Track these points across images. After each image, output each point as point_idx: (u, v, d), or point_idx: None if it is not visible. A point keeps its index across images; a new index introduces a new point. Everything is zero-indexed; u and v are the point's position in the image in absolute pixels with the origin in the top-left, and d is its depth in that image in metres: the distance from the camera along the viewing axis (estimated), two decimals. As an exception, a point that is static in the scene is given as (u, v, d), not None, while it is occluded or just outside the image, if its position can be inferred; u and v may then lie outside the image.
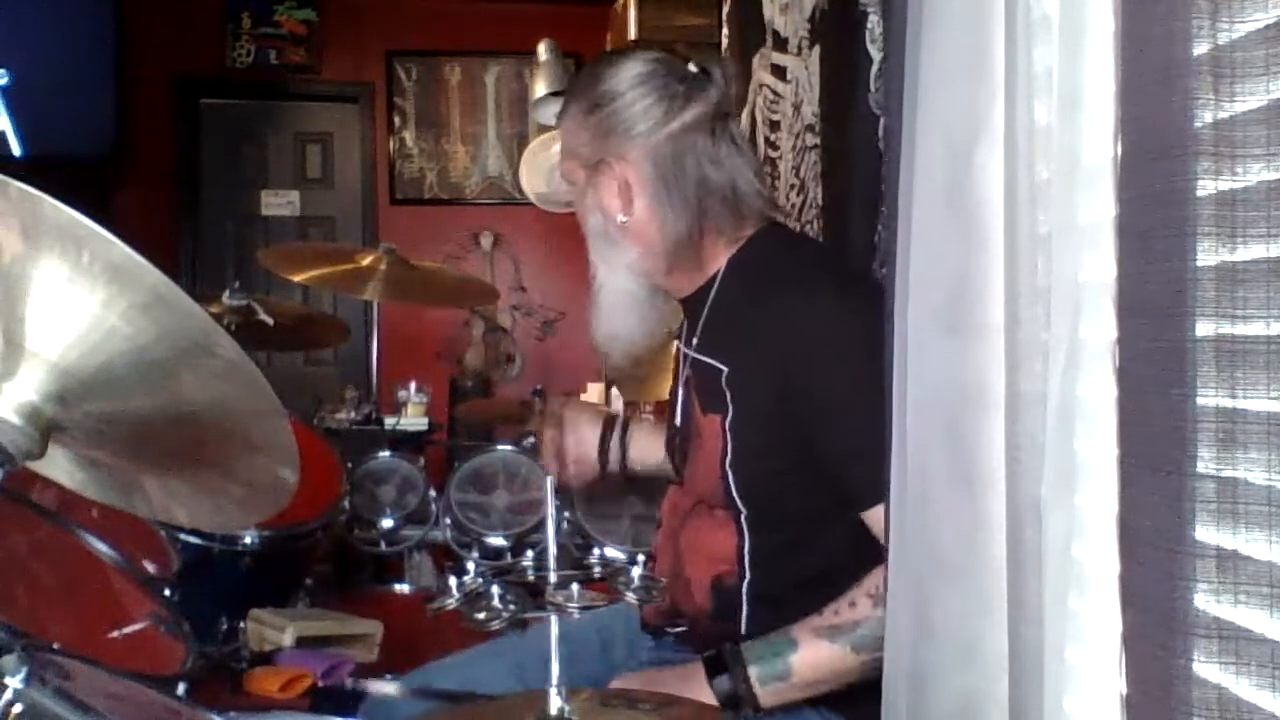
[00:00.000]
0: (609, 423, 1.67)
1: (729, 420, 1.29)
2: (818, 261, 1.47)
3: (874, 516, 1.19)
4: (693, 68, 1.35)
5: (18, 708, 0.80)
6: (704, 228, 1.34)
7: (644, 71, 1.34)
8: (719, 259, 1.37)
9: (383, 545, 2.68)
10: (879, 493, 1.13)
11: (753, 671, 1.23)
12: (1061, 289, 0.83)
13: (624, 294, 1.40)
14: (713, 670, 1.25)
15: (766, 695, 1.23)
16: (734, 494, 1.30)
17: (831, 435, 1.24)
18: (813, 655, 1.22)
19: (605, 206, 1.36)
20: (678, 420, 1.44)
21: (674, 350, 1.53)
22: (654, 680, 1.27)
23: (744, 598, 1.32)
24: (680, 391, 1.43)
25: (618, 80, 1.34)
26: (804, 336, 1.25)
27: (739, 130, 1.38)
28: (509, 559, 2.61)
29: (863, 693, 1.18)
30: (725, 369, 1.31)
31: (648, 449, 1.63)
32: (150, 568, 1.73)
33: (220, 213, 5.48)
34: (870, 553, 1.21)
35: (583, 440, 1.66)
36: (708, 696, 1.23)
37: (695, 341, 1.39)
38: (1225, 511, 0.63)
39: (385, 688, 1.46)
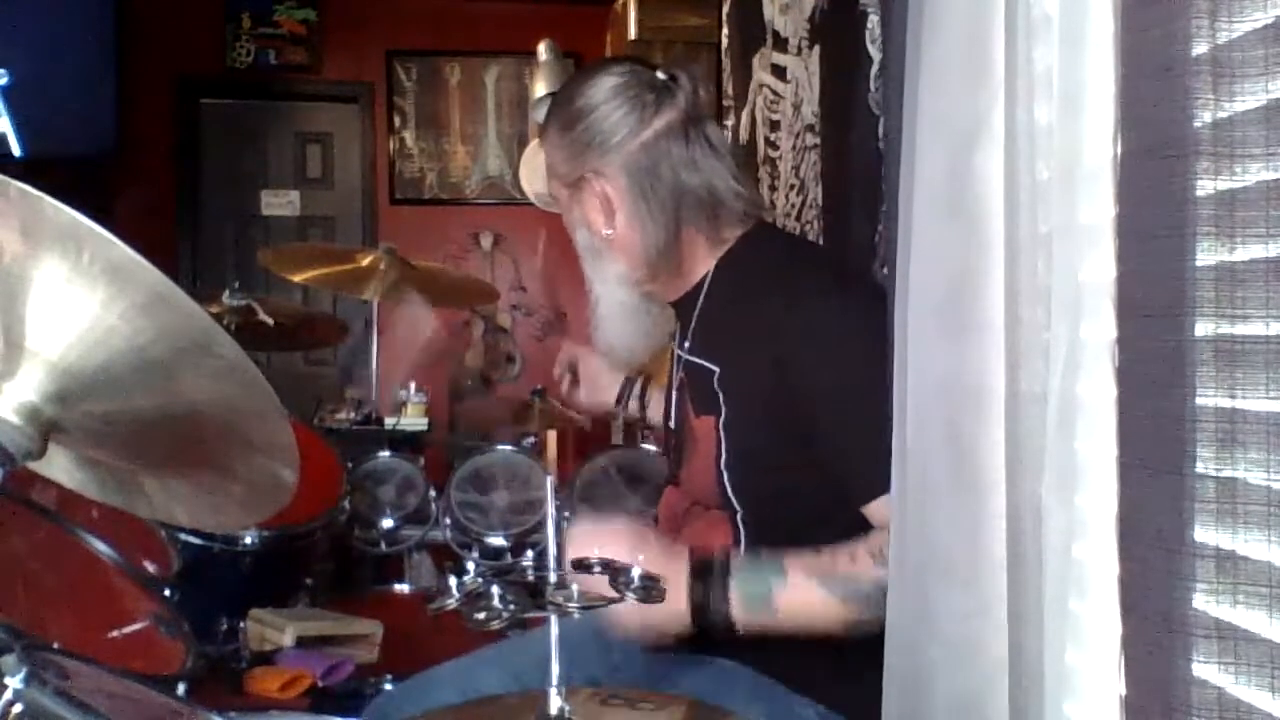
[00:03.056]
0: (629, 379, 1.73)
1: (723, 421, 1.29)
2: (805, 259, 1.48)
3: (875, 509, 1.19)
4: (661, 75, 1.36)
5: (18, 708, 0.80)
6: (683, 233, 1.35)
7: (615, 84, 1.35)
8: (705, 262, 1.38)
9: (383, 545, 2.68)
10: (878, 486, 1.13)
11: (734, 584, 1.20)
12: (1061, 289, 0.83)
13: (618, 304, 1.41)
14: (695, 573, 1.21)
15: (742, 615, 1.20)
16: (730, 494, 1.30)
17: (827, 432, 1.24)
18: (801, 595, 1.19)
19: (589, 221, 1.38)
20: (672, 422, 1.44)
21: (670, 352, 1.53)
22: (635, 541, 1.22)
23: None
24: (674, 394, 1.44)
25: (590, 96, 1.35)
26: (794, 334, 1.25)
27: (717, 133, 1.39)
28: (509, 559, 2.61)
29: (862, 689, 1.18)
30: (717, 370, 1.31)
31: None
32: (150, 568, 1.73)
33: (220, 213, 5.48)
34: None
35: (600, 388, 1.74)
36: (679, 594, 1.19)
37: (687, 344, 1.39)
38: (1224, 512, 0.63)
39: None
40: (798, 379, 1.24)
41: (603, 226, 1.37)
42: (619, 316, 1.42)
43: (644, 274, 1.38)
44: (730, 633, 1.21)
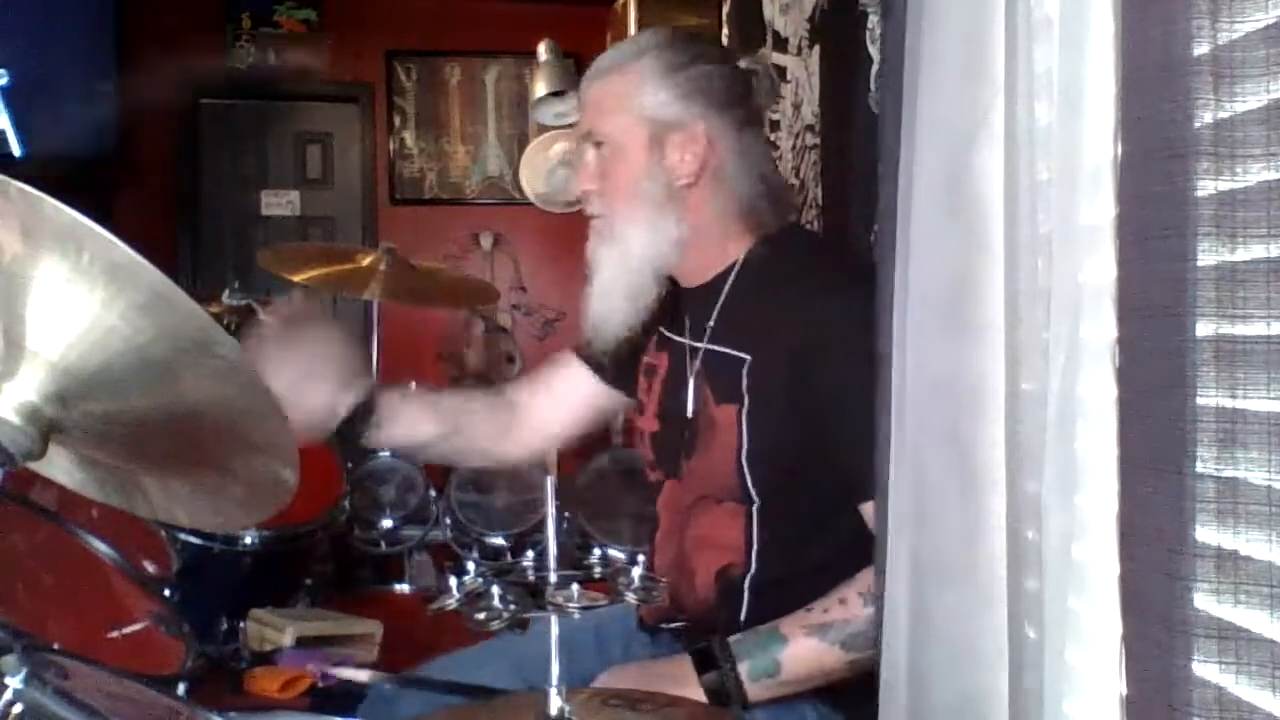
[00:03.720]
0: (365, 405, 1.46)
1: (745, 411, 1.29)
2: (839, 258, 1.51)
3: (869, 509, 1.20)
4: (746, 64, 1.39)
5: (18, 708, 0.80)
6: (749, 210, 1.36)
7: (720, 51, 1.39)
8: (739, 250, 1.38)
9: (383, 545, 2.68)
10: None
11: (742, 667, 1.24)
12: (1061, 289, 0.83)
13: (628, 280, 1.35)
14: (702, 665, 1.25)
15: (755, 690, 1.24)
16: (749, 486, 1.30)
17: (842, 426, 1.24)
18: (802, 652, 1.23)
19: (671, 168, 1.33)
20: (688, 412, 1.40)
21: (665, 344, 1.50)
22: (642, 675, 1.27)
23: (745, 588, 1.32)
24: (691, 383, 1.40)
25: (702, 51, 1.36)
26: (822, 329, 1.26)
27: None
28: (509, 559, 2.61)
29: (860, 689, 1.19)
30: (747, 358, 1.31)
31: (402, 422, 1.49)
32: (150, 568, 1.73)
33: (220, 213, 5.47)
34: (871, 546, 1.21)
35: (306, 393, 1.40)
36: (696, 690, 1.23)
37: (708, 332, 1.38)
38: (1225, 512, 0.63)
39: (359, 675, 1.46)
40: (820, 373, 1.25)
41: (686, 176, 1.33)
42: (620, 293, 1.36)
43: (707, 235, 1.35)
44: (744, 704, 1.24)
